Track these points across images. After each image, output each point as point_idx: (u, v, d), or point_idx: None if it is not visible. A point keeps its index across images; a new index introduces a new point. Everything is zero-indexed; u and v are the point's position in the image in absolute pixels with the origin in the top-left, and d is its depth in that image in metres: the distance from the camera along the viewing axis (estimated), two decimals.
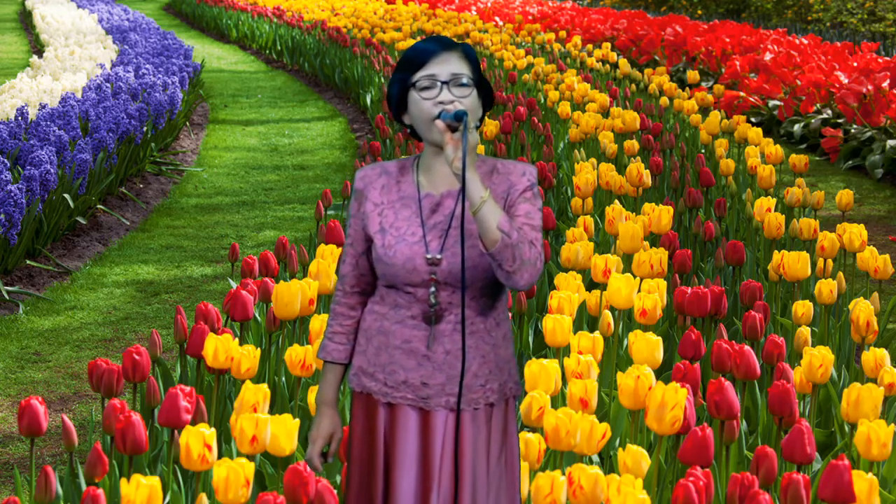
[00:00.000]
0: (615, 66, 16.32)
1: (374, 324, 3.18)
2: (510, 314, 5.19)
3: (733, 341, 5.07)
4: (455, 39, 3.29)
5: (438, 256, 3.09)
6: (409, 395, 3.13)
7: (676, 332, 5.72)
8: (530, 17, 21.86)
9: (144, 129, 11.04)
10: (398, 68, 3.14)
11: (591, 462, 4.51)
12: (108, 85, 12.36)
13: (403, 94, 3.14)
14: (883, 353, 4.78)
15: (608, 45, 17.02)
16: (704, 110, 12.61)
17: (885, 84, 12.64)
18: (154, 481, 3.35)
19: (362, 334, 3.21)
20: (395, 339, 3.14)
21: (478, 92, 3.13)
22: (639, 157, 9.30)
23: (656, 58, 17.80)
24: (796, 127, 13.45)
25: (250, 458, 3.84)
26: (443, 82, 3.08)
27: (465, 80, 3.10)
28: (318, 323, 4.84)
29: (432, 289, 3.10)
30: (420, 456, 3.12)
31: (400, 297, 3.13)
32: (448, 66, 3.10)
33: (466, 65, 3.12)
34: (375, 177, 3.19)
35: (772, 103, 14.11)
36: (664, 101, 12.60)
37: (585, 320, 5.94)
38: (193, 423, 4.07)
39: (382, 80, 14.75)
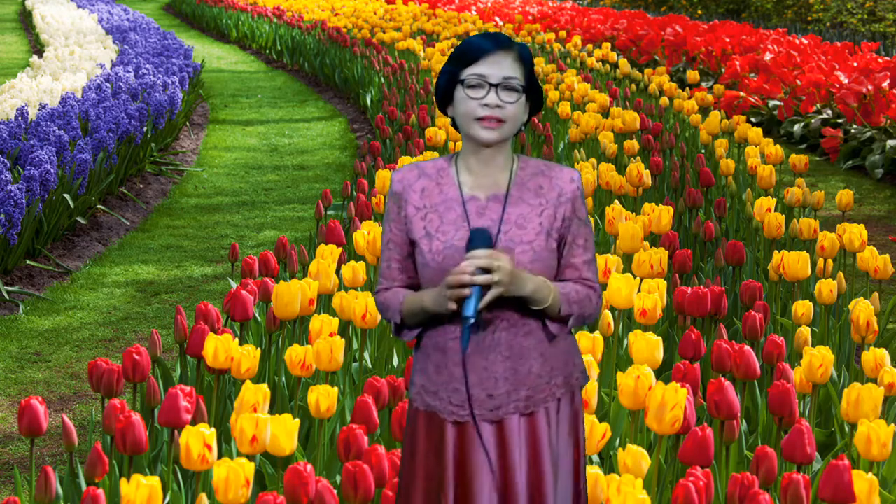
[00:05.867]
0: (615, 66, 16.32)
1: (429, 340, 3.11)
2: None
3: (733, 341, 5.07)
4: (512, 38, 3.19)
5: None
6: (476, 411, 3.06)
7: (676, 332, 5.72)
8: (530, 17, 21.86)
9: (144, 129, 11.04)
10: (450, 60, 3.07)
11: (591, 462, 4.51)
12: (108, 85, 12.36)
13: (451, 87, 3.08)
14: (883, 353, 4.78)
15: (608, 45, 17.02)
16: (704, 110, 12.62)
17: (885, 84, 12.63)
18: (154, 481, 3.35)
19: (420, 352, 3.15)
20: (453, 356, 3.07)
21: (527, 96, 3.07)
22: (639, 157, 9.30)
23: (656, 58, 17.80)
24: (796, 127, 13.45)
25: (250, 458, 3.84)
26: (492, 85, 3.02)
27: (515, 85, 3.04)
28: (318, 323, 4.83)
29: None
30: (499, 466, 3.05)
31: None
32: (500, 67, 3.03)
33: (520, 68, 3.06)
34: (414, 179, 3.12)
35: (772, 103, 14.11)
36: (664, 101, 12.61)
37: None
38: (193, 423, 4.07)
39: (382, 80, 14.75)
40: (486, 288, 2.99)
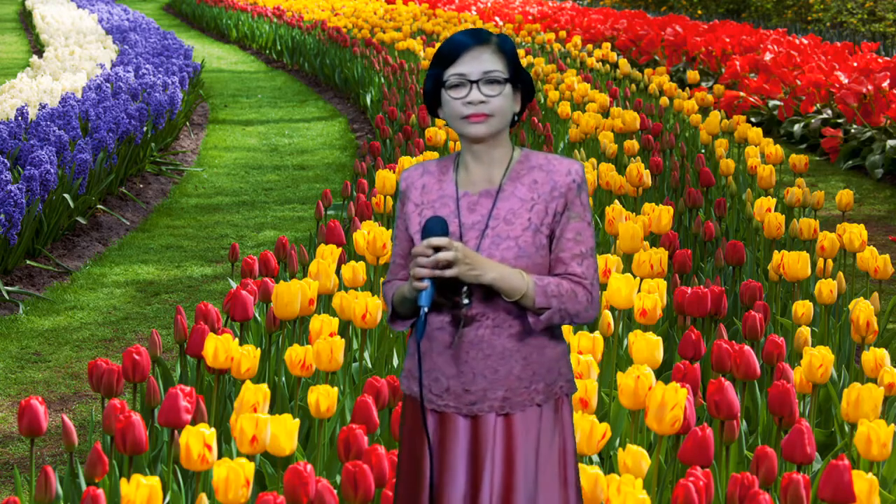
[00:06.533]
0: (615, 66, 16.32)
1: None
2: None
3: (733, 341, 5.06)
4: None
5: None
6: (452, 403, 3.06)
7: (676, 332, 5.72)
8: (530, 17, 21.86)
9: (144, 129, 11.04)
10: (432, 63, 3.07)
11: (591, 462, 4.51)
12: (108, 85, 12.36)
13: (437, 90, 3.08)
14: (883, 353, 4.78)
15: (608, 45, 17.03)
16: (704, 110, 12.62)
17: (885, 84, 12.64)
18: (154, 481, 3.35)
19: (412, 338, 3.14)
20: (437, 344, 3.07)
21: (513, 87, 3.06)
22: (639, 157, 9.31)
23: (656, 58, 17.80)
24: (796, 127, 13.45)
25: (250, 458, 3.84)
26: (472, 81, 3.01)
27: (496, 77, 3.02)
28: (318, 323, 4.83)
29: (465, 288, 3.01)
30: (470, 462, 3.05)
31: (438, 300, 3.06)
32: (479, 62, 3.02)
33: (501, 59, 3.04)
34: (417, 177, 3.14)
35: (772, 103, 14.11)
36: (664, 101, 12.61)
37: None
38: (193, 423, 4.07)
39: (382, 80, 14.75)
40: (462, 284, 3.01)
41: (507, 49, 3.06)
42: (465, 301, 3.02)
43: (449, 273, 2.96)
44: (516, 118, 3.10)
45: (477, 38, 3.05)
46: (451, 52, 3.04)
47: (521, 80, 3.08)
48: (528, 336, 3.06)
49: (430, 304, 2.97)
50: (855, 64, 14.49)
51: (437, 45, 16.84)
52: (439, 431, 3.09)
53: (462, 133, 3.06)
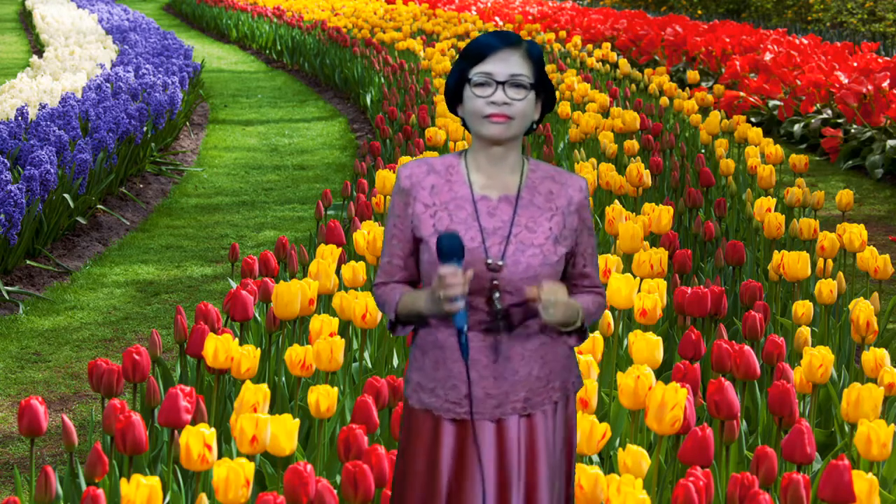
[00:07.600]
0: (615, 66, 16.32)
1: (427, 337, 3.10)
2: None
3: (733, 341, 5.06)
4: (520, 36, 3.19)
5: (500, 263, 3.02)
6: (477, 409, 3.05)
7: (676, 332, 5.72)
8: (530, 17, 21.86)
9: (144, 129, 11.04)
10: (459, 60, 3.07)
11: (591, 462, 4.51)
12: (108, 85, 12.36)
13: (460, 87, 3.07)
14: (883, 353, 4.78)
15: (608, 45, 17.03)
16: (704, 110, 12.62)
17: (885, 84, 12.63)
18: (154, 481, 3.35)
19: (417, 348, 3.13)
20: (452, 353, 3.06)
21: (536, 94, 3.06)
22: (639, 157, 9.31)
23: (656, 58, 17.80)
24: (796, 127, 13.45)
25: (250, 458, 3.84)
26: (499, 82, 3.01)
27: (522, 82, 3.02)
28: (318, 323, 4.83)
29: (497, 294, 3.01)
30: (497, 467, 3.05)
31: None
32: (507, 65, 3.02)
33: (528, 65, 3.04)
34: (423, 175, 3.10)
35: (772, 103, 14.11)
36: (664, 101, 12.61)
37: None
38: (193, 423, 4.07)
39: (382, 80, 14.75)
40: (490, 289, 3.01)
41: (534, 56, 3.07)
42: (497, 306, 3.02)
43: (551, 320, 2.98)
44: (534, 126, 3.11)
45: (507, 40, 3.05)
46: (479, 50, 3.04)
47: (544, 89, 3.09)
48: (544, 336, 3.09)
49: (467, 323, 2.97)
50: (855, 64, 14.49)
51: (438, 45, 16.84)
52: (458, 440, 3.07)
53: (480, 132, 3.05)
